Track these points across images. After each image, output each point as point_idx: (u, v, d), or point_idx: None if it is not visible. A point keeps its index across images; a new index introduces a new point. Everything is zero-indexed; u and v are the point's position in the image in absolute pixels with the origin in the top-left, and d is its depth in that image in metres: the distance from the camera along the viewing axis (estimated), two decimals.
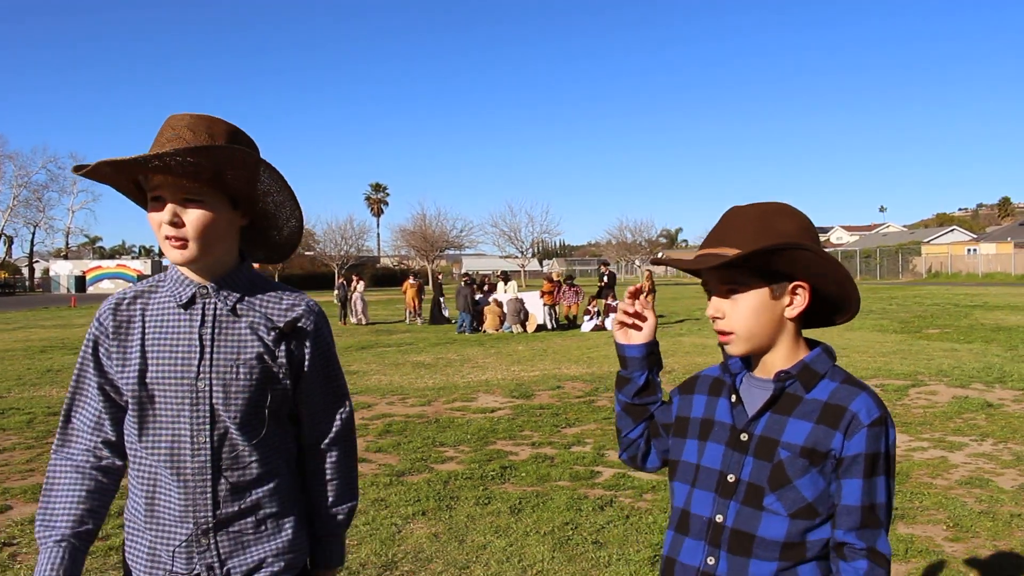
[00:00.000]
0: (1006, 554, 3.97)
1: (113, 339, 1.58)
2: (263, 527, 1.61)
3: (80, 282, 61.97)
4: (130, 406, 1.57)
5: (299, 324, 1.63)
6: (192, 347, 1.55)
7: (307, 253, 65.61)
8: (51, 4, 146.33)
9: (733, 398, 1.47)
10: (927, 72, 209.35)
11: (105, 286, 58.39)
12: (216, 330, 1.57)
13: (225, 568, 1.58)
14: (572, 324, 19.15)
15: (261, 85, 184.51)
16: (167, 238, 1.52)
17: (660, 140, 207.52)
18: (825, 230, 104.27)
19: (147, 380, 1.54)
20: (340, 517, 1.73)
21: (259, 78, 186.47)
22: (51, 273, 67.94)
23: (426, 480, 5.42)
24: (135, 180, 1.57)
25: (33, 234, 66.03)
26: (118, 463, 1.62)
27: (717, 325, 1.46)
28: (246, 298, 1.61)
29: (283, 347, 1.61)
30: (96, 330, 1.60)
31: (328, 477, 1.72)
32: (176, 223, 1.51)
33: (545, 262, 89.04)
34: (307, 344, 1.65)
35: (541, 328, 18.38)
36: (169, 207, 1.50)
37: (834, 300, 1.46)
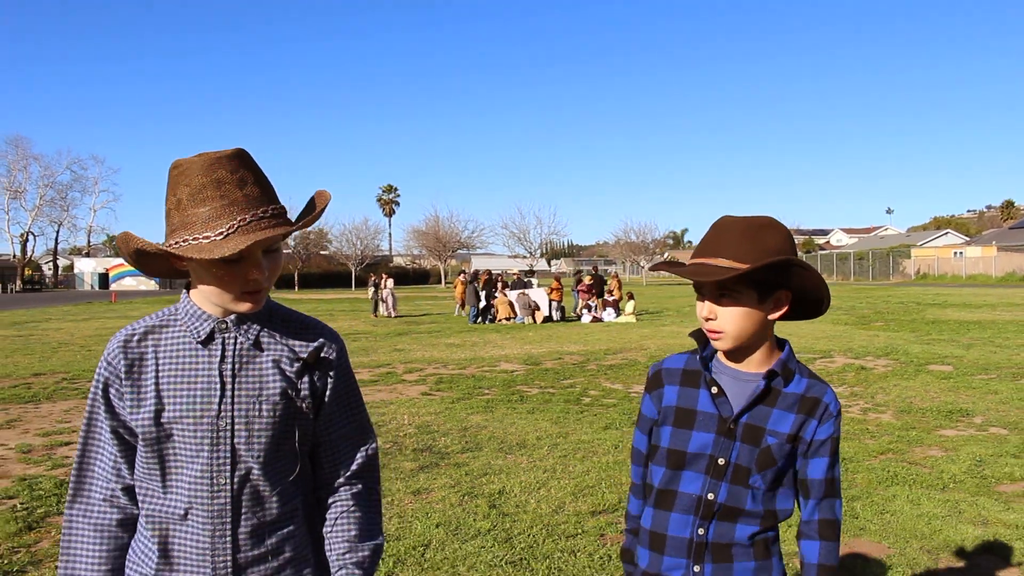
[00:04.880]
0: None
1: (126, 380, 1.49)
2: (283, 572, 1.54)
3: (103, 279, 64.00)
4: (143, 447, 1.49)
5: (322, 354, 1.58)
6: (212, 384, 1.48)
7: (323, 252, 68.79)
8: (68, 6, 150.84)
9: (715, 389, 1.65)
10: (932, 72, 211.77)
11: (127, 283, 60.96)
12: (237, 366, 1.50)
13: None
14: (577, 318, 22.43)
15: (271, 86, 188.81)
16: (248, 292, 1.47)
17: (666, 142, 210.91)
18: (825, 232, 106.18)
19: (163, 420, 1.46)
20: (364, 553, 1.59)
21: (268, 78, 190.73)
22: (75, 270, 70.14)
23: (474, 402, 8.66)
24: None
25: (57, 232, 67.48)
26: (135, 512, 1.54)
27: (709, 325, 1.62)
28: (267, 329, 1.54)
29: (306, 379, 1.55)
30: (105, 371, 1.50)
31: (350, 509, 1.60)
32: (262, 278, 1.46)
33: (553, 262, 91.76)
34: (330, 374, 1.59)
35: (547, 320, 21.75)
36: (259, 260, 1.45)
37: (809, 303, 1.68)
